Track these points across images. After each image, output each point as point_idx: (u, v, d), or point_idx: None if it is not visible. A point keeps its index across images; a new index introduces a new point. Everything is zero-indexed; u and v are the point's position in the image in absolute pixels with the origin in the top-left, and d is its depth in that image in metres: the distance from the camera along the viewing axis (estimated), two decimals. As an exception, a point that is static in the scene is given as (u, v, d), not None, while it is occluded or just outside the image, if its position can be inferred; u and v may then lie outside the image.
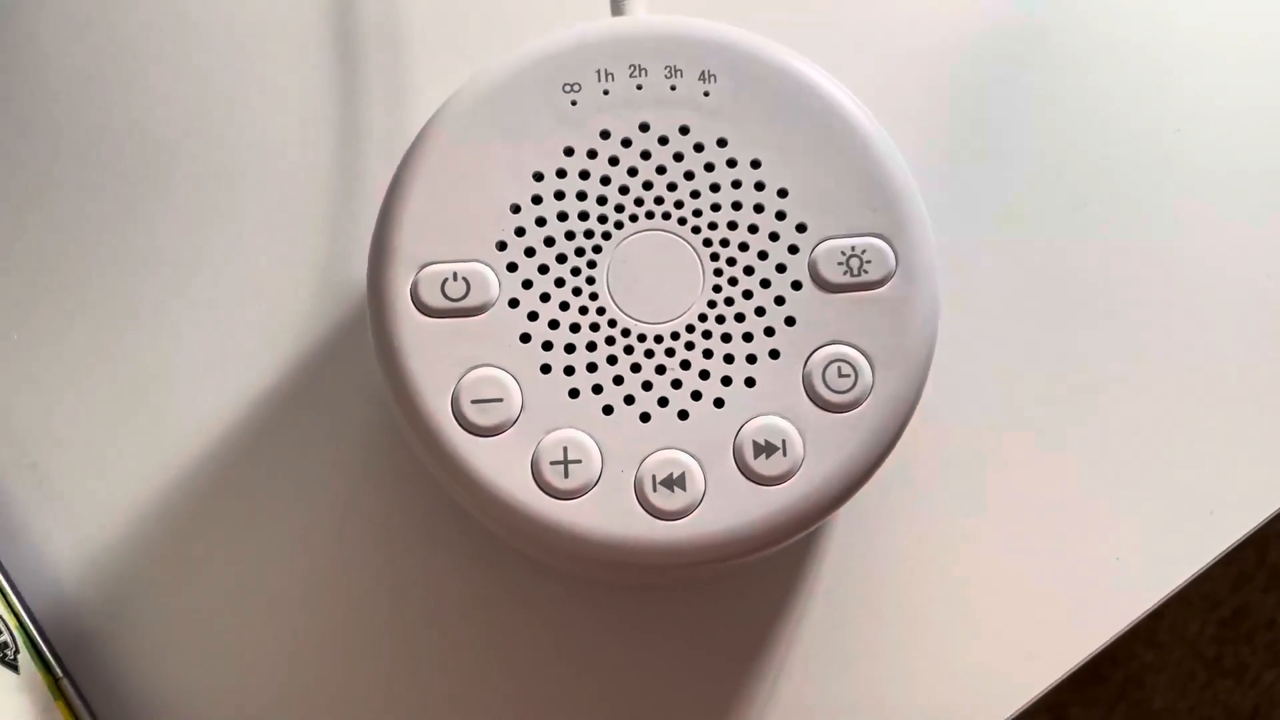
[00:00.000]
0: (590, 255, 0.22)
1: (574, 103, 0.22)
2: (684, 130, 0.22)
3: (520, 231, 0.22)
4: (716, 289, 0.22)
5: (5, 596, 0.25)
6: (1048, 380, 0.28)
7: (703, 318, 0.22)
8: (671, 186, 0.22)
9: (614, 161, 0.22)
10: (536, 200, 0.22)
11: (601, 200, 0.22)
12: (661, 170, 0.22)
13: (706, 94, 0.22)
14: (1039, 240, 0.28)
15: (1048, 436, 0.27)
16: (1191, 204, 0.29)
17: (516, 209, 0.22)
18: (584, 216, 0.22)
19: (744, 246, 0.22)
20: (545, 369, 0.21)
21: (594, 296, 0.22)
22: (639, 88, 0.22)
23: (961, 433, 0.27)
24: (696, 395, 0.21)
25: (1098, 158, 0.29)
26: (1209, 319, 0.28)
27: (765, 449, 0.21)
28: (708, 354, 0.22)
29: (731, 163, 0.22)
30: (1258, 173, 0.29)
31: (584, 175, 0.22)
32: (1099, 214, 0.28)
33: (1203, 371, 0.28)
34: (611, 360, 0.22)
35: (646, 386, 0.21)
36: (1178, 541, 0.27)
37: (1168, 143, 0.29)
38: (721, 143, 0.22)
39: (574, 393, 0.21)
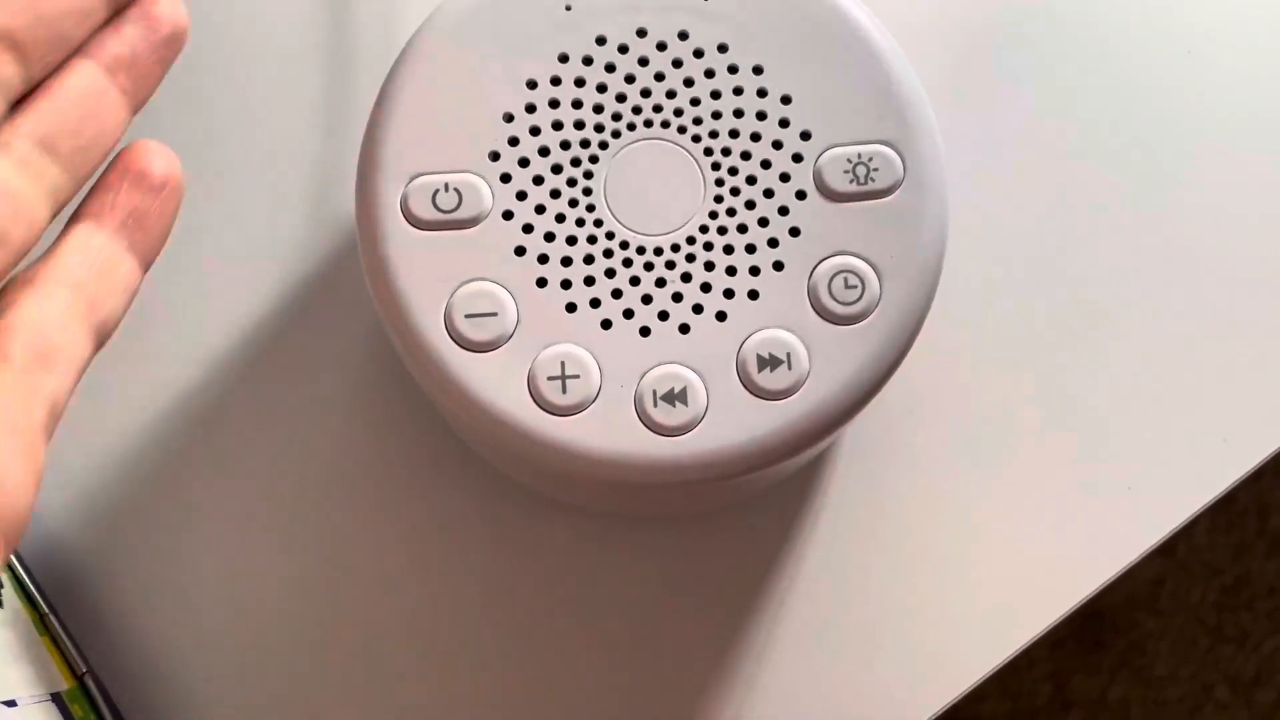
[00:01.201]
0: (587, 165, 0.21)
1: (568, 7, 0.21)
2: (683, 35, 0.21)
3: (514, 141, 0.21)
4: (718, 199, 0.21)
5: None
6: (1059, 306, 0.27)
7: (704, 229, 0.21)
8: (670, 94, 0.21)
9: (610, 68, 0.21)
10: (530, 109, 0.21)
11: (598, 109, 0.21)
12: (660, 77, 0.21)
13: (706, -2, 0.21)
14: (1049, 161, 0.28)
15: (1058, 364, 0.27)
16: (1204, 128, 0.28)
17: (510, 118, 0.21)
18: (580, 125, 0.21)
19: (746, 155, 0.21)
20: (541, 283, 0.21)
21: (591, 208, 0.21)
22: (636, -8, 0.21)
23: (968, 360, 0.27)
24: (698, 309, 0.21)
25: (1109, 78, 0.28)
26: (1223, 243, 0.27)
27: (770, 362, 0.20)
28: (709, 266, 0.21)
29: (733, 69, 0.21)
30: (1273, 97, 0.28)
31: (579, 83, 0.21)
32: (1110, 135, 0.28)
33: (1217, 297, 0.27)
34: (610, 273, 0.21)
35: (646, 300, 0.21)
36: (1192, 470, 0.26)
37: (1181, 65, 0.28)
38: (722, 48, 0.21)
39: (571, 307, 0.21)
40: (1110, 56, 0.28)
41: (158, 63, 0.18)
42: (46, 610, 0.24)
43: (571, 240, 0.21)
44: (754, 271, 0.21)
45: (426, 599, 0.26)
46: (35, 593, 0.24)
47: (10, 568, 0.24)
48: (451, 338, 0.20)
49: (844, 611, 0.26)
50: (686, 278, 0.21)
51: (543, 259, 0.21)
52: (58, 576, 0.25)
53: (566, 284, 0.21)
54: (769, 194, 0.21)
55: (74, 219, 0.18)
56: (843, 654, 0.26)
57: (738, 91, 0.21)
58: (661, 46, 0.21)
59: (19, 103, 0.17)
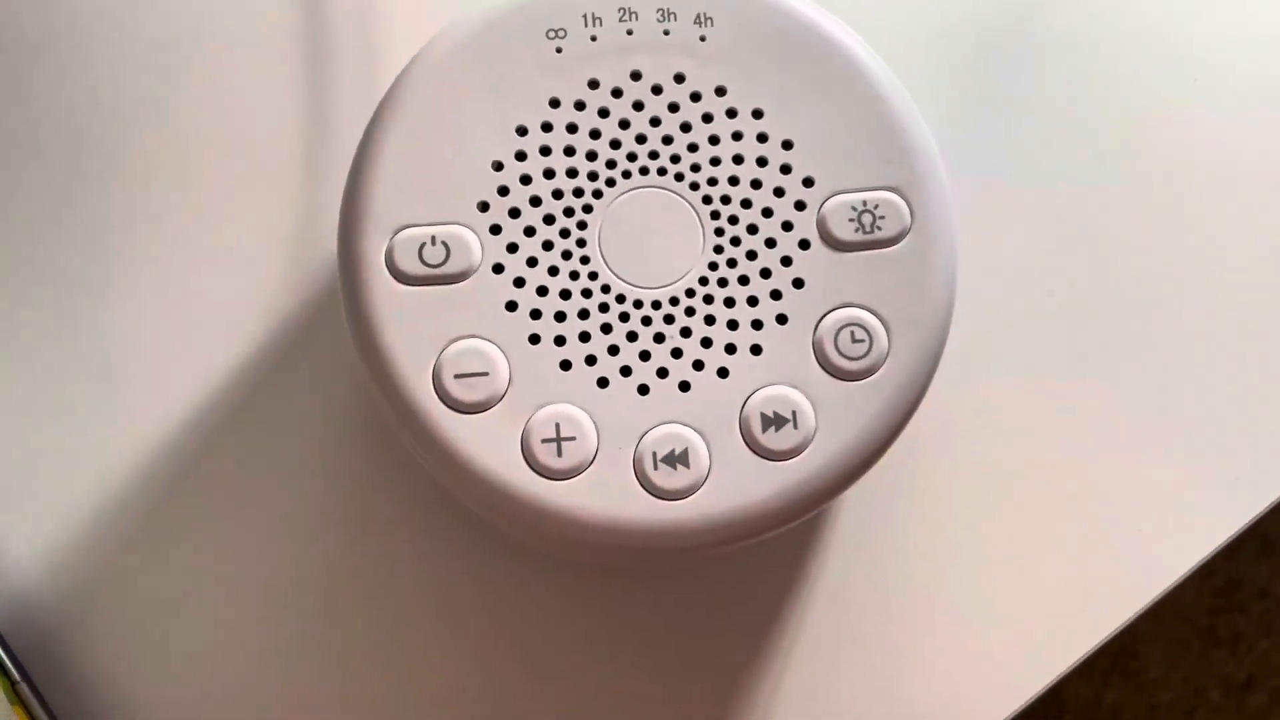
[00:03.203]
0: (580, 215, 0.20)
1: (559, 50, 0.20)
2: (679, 78, 0.21)
3: (504, 191, 0.20)
4: (718, 250, 0.20)
5: (-44, 597, 0.24)
6: (1065, 344, 0.26)
7: (704, 281, 0.20)
8: (667, 140, 0.20)
9: (604, 113, 0.20)
10: (520, 157, 0.20)
11: (591, 156, 0.20)
12: (656, 122, 0.20)
13: (703, 39, 0.21)
14: (1055, 193, 0.27)
15: (1066, 405, 0.26)
16: (1211, 156, 0.27)
17: (499, 166, 0.20)
18: (572, 174, 0.20)
19: (747, 203, 0.20)
20: (534, 339, 0.20)
21: (585, 260, 0.20)
22: (629, 33, 0.21)
23: (974, 402, 0.26)
24: (699, 365, 0.20)
25: (1114, 107, 0.27)
26: (1232, 277, 0.27)
27: (774, 421, 0.20)
28: (710, 320, 0.20)
29: (731, 113, 0.20)
30: (1279, 122, 0.28)
31: (571, 129, 0.20)
32: (1116, 166, 0.27)
33: (1227, 333, 0.27)
34: (606, 329, 0.20)
35: (644, 356, 0.20)
36: (1203, 510, 0.26)
37: (1187, 92, 0.27)
38: (720, 91, 0.20)
39: (566, 364, 0.20)
40: (1113, 83, 0.27)
41: None
42: (18, 678, 0.23)
43: (565, 294, 0.20)
44: (756, 325, 0.20)
45: (416, 661, 0.25)
46: (5, 659, 0.23)
47: (-20, 633, 0.23)
48: (440, 398, 0.20)
49: (850, 661, 0.25)
50: (686, 332, 0.20)
51: (535, 314, 0.20)
52: (31, 640, 0.24)
53: (561, 340, 0.20)
54: (771, 243, 0.20)
55: None
56: (851, 704, 0.25)
57: (737, 136, 0.20)
58: (657, 90, 0.20)
59: None
